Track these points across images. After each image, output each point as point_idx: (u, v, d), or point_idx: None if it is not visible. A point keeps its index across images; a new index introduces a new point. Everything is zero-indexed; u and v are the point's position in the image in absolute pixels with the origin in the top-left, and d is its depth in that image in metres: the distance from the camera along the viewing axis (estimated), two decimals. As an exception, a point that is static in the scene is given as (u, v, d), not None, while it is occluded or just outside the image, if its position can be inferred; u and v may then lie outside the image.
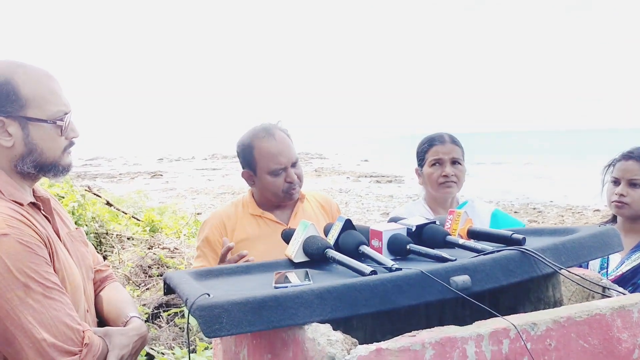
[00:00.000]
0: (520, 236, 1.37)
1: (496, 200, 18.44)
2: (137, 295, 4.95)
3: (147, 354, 3.69)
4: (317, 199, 2.46)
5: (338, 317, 1.07)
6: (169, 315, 4.48)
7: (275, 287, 1.20)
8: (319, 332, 1.01)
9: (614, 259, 2.23)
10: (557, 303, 1.40)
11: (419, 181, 2.59)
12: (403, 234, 1.46)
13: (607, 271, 2.22)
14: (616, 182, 2.29)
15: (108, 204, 7.83)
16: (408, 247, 1.41)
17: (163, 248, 6.17)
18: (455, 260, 1.26)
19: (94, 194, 7.94)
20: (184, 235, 6.92)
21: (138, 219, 7.58)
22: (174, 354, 3.76)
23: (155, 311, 4.55)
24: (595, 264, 2.25)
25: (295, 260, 1.45)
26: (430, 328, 1.02)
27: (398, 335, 0.99)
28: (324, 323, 1.04)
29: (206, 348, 3.59)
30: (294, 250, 1.46)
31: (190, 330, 4.02)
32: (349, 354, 0.95)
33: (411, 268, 1.18)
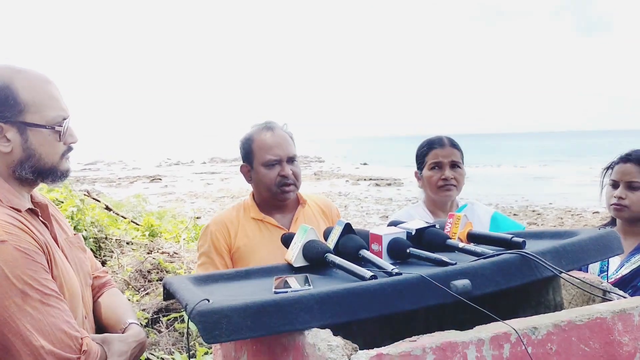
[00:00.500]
0: (520, 239, 1.37)
1: (495, 202, 18.45)
2: (137, 300, 4.94)
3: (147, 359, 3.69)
4: (318, 203, 2.46)
5: (338, 322, 1.07)
6: (168, 320, 4.47)
7: (275, 292, 1.19)
8: (319, 338, 1.00)
9: (614, 261, 2.23)
10: (558, 307, 1.40)
11: (418, 184, 2.59)
12: (403, 238, 1.46)
13: (607, 274, 2.22)
14: (615, 184, 2.29)
15: (107, 208, 7.82)
16: (408, 251, 1.40)
17: (162, 252, 6.16)
18: (456, 264, 1.26)
19: (93, 199, 7.92)
20: (184, 239, 6.91)
21: (137, 224, 7.57)
22: (173, 359, 3.75)
23: (155, 316, 4.54)
24: (595, 267, 2.25)
25: (295, 265, 1.44)
26: (430, 332, 1.01)
27: (398, 340, 0.98)
28: (324, 328, 1.04)
29: (206, 353, 3.58)
30: (294, 255, 1.45)
31: (190, 335, 4.01)
32: (349, 359, 0.94)
33: (411, 272, 1.17)
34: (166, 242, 6.68)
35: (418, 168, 2.56)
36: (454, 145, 2.48)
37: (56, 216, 1.67)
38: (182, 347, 4.15)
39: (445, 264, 1.28)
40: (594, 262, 2.03)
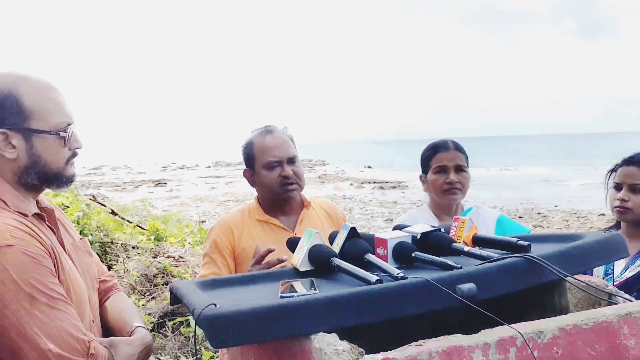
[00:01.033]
0: (525, 243, 1.37)
1: (500, 205, 18.41)
2: (142, 305, 4.95)
3: (153, 364, 3.69)
4: (323, 206, 2.47)
5: (344, 326, 1.07)
6: (174, 324, 4.48)
7: (282, 297, 1.20)
8: (326, 342, 1.00)
9: (619, 264, 2.23)
10: (563, 310, 1.40)
11: (423, 188, 2.59)
12: (408, 242, 1.46)
13: (612, 277, 2.21)
14: (618, 187, 2.30)
15: (113, 212, 7.84)
16: (413, 254, 1.41)
17: (168, 257, 6.17)
18: (461, 267, 1.26)
19: (99, 203, 7.95)
20: (189, 243, 6.92)
21: (143, 228, 7.59)
22: (179, 363, 3.76)
23: (161, 320, 4.55)
24: (600, 270, 2.25)
25: (301, 269, 1.45)
26: (436, 336, 1.01)
27: (404, 344, 0.99)
28: (331, 332, 1.04)
29: (212, 357, 3.59)
30: (299, 259, 1.45)
31: (196, 339, 4.02)
32: (355, 363, 0.95)
33: (417, 276, 1.17)
34: (171, 246, 6.69)
35: (423, 172, 2.56)
36: (458, 148, 2.48)
37: (63, 221, 1.68)
38: (187, 351, 4.16)
39: (450, 267, 1.28)
40: (600, 266, 2.03)
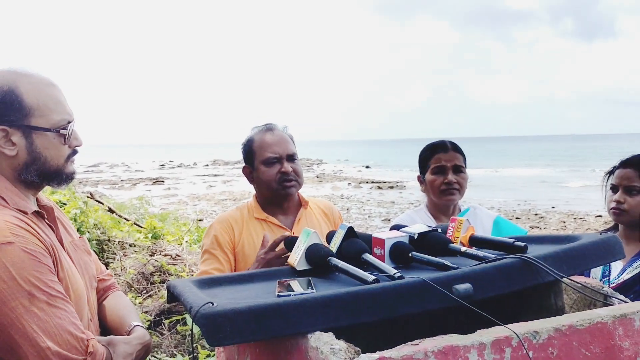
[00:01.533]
0: (522, 244, 1.38)
1: (497, 206, 18.44)
2: (139, 303, 4.95)
3: (149, 361, 3.69)
4: (320, 206, 2.48)
5: (341, 325, 1.07)
6: (170, 322, 4.48)
7: (279, 296, 1.20)
8: (322, 341, 1.01)
9: (616, 266, 2.24)
10: (559, 311, 1.40)
11: (421, 188, 2.59)
12: (405, 242, 1.47)
13: (608, 279, 2.22)
14: (614, 189, 2.31)
15: (110, 210, 7.83)
16: (410, 255, 1.41)
17: (165, 255, 6.17)
18: (458, 268, 1.26)
19: (96, 201, 7.94)
20: (186, 242, 6.92)
21: (140, 226, 7.58)
22: (176, 361, 3.77)
23: (157, 318, 4.55)
24: (597, 271, 2.26)
25: (298, 269, 1.45)
26: (432, 336, 1.02)
27: (400, 344, 0.99)
28: (327, 331, 1.04)
29: (208, 356, 3.59)
30: (297, 259, 1.46)
31: (193, 337, 4.02)
32: (352, 362, 0.95)
33: (413, 276, 1.18)
34: (169, 245, 6.69)
35: (421, 172, 2.56)
36: (456, 149, 2.49)
37: (62, 219, 1.68)
38: (184, 349, 4.16)
39: (447, 268, 1.28)
40: (595, 267, 2.04)
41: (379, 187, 25.97)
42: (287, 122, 2.49)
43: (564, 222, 15.37)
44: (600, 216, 15.44)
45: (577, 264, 1.35)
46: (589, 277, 2.04)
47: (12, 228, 1.37)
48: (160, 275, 5.50)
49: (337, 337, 1.02)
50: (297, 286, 1.27)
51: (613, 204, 2.29)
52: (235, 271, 2.21)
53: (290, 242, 1.59)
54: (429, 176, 2.49)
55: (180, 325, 4.42)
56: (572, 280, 1.31)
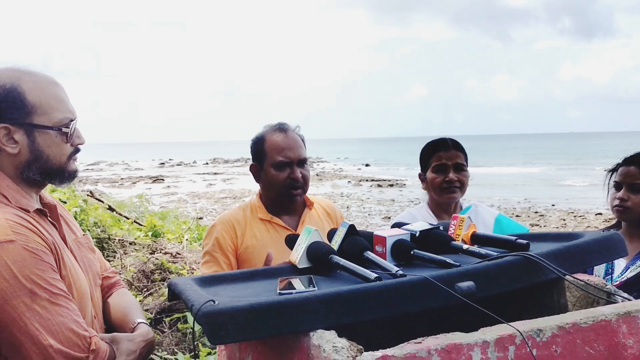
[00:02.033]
0: (524, 241, 1.37)
1: (498, 204, 18.45)
2: (140, 301, 4.95)
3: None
4: (322, 205, 2.47)
5: (343, 323, 1.07)
6: (171, 320, 4.47)
7: (280, 294, 1.20)
8: (324, 339, 1.00)
9: (619, 264, 2.24)
10: (562, 309, 1.40)
11: (422, 186, 2.59)
12: (407, 240, 1.46)
13: (612, 277, 2.22)
14: (618, 186, 2.31)
15: (110, 208, 7.82)
16: (412, 252, 1.41)
17: (165, 253, 6.17)
18: (460, 265, 1.26)
19: (96, 199, 7.93)
20: (186, 240, 6.92)
21: (140, 224, 7.58)
22: (176, 359, 3.76)
23: (158, 316, 4.54)
24: (600, 269, 2.26)
25: (299, 266, 1.45)
26: (435, 334, 1.02)
27: (403, 342, 0.99)
28: (329, 329, 1.04)
29: (209, 353, 3.59)
30: (298, 256, 1.45)
31: (194, 335, 4.02)
32: (354, 360, 0.95)
33: (415, 274, 1.17)
34: (169, 243, 6.68)
35: (422, 170, 2.56)
36: (457, 147, 2.48)
37: (65, 217, 1.68)
38: (185, 347, 4.16)
39: (449, 265, 1.28)
40: (598, 265, 2.04)
41: (379, 185, 25.98)
42: (286, 121, 2.45)
43: (564, 220, 15.38)
44: (600, 214, 15.45)
45: (580, 261, 1.34)
46: (592, 274, 2.04)
47: (13, 226, 1.37)
48: (160, 273, 5.50)
49: (339, 335, 1.02)
50: (299, 284, 1.26)
51: (616, 202, 2.28)
52: None
53: (291, 239, 1.59)
54: (430, 174, 2.48)
55: (181, 324, 4.42)
56: (575, 278, 1.31)
